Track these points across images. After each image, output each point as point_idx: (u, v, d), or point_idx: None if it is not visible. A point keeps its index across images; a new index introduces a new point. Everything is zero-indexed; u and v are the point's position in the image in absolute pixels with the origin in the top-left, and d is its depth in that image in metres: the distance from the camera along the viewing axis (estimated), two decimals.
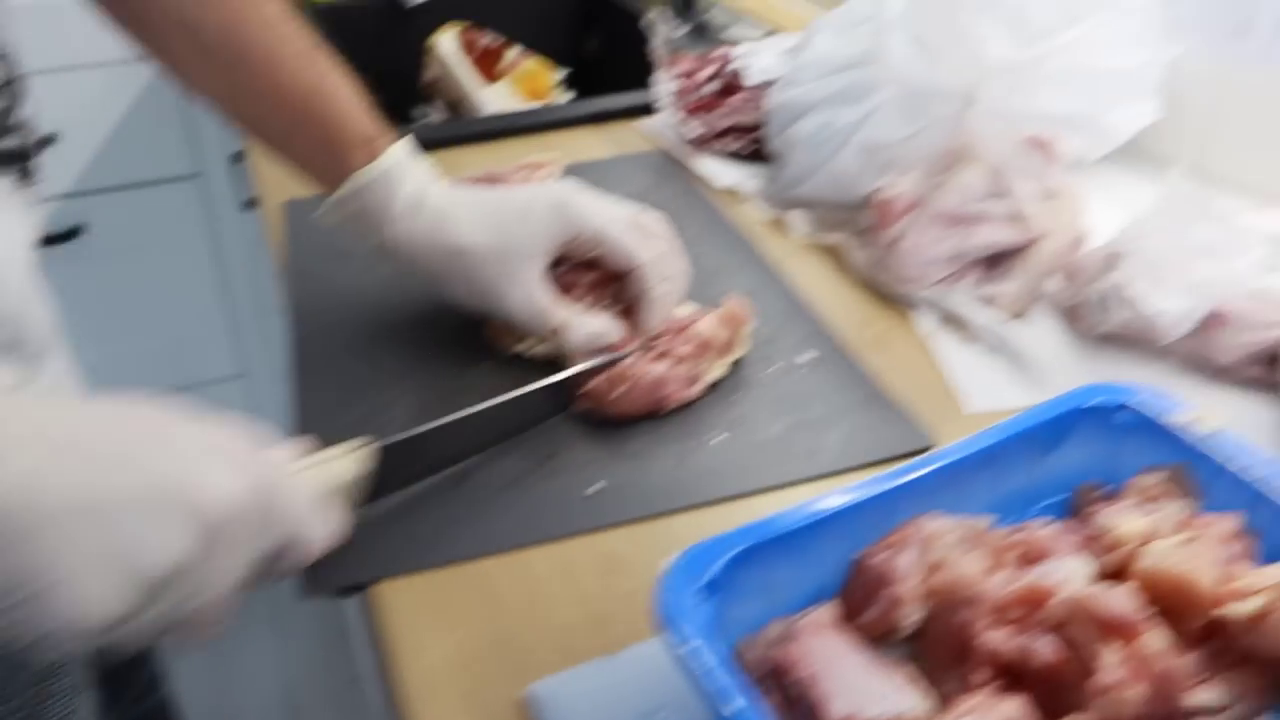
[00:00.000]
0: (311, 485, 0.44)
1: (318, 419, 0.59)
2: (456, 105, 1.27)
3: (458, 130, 1.00)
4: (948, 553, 0.43)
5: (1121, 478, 0.49)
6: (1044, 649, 0.39)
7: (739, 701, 0.35)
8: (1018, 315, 0.66)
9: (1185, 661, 0.38)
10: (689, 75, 0.94)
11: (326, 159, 0.62)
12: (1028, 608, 0.40)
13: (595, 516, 0.53)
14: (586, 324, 0.61)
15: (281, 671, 1.55)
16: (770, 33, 1.18)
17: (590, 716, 0.44)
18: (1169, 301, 0.58)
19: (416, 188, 0.62)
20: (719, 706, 0.35)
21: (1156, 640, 0.37)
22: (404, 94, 1.37)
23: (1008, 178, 0.67)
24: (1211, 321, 0.59)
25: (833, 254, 0.76)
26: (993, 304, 0.66)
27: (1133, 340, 0.63)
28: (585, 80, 1.44)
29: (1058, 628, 0.39)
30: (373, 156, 0.61)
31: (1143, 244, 0.59)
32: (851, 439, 0.58)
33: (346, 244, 0.68)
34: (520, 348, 0.64)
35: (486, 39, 1.24)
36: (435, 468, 0.54)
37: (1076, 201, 0.67)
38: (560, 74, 1.28)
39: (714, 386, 0.61)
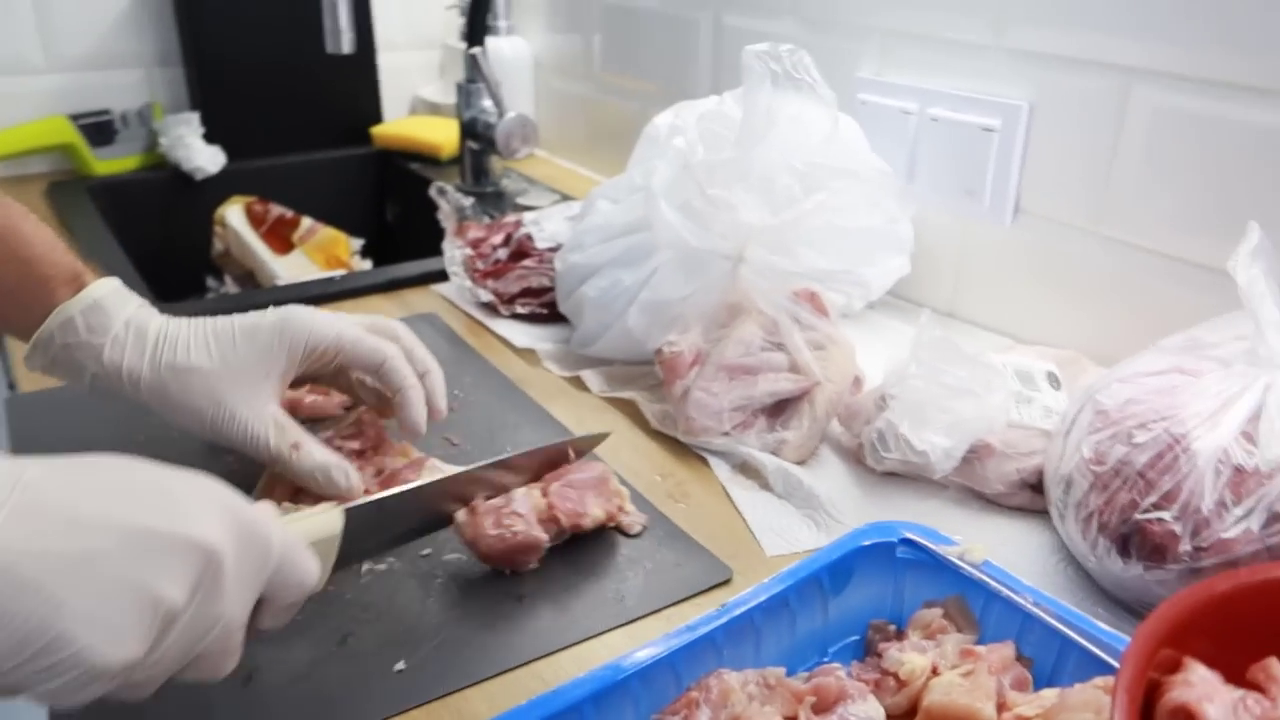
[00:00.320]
0: (296, 534, 0.45)
1: None
2: (250, 276, 1.23)
3: (250, 300, 0.97)
4: (743, 708, 0.43)
5: (906, 612, 0.50)
6: None
7: None
8: (804, 459, 0.69)
9: None
10: (480, 242, 0.95)
11: (29, 298, 0.58)
12: None
13: (392, 702, 0.49)
14: (318, 453, 0.59)
15: None
16: (561, 198, 1.23)
17: None
18: (936, 439, 0.62)
19: (134, 315, 0.60)
20: None
21: None
22: (195, 266, 1.32)
23: (782, 330, 0.70)
24: (979, 453, 0.63)
25: (628, 408, 0.77)
26: (780, 450, 0.68)
27: (912, 476, 0.66)
28: (386, 247, 1.44)
29: None
30: (80, 289, 0.59)
31: (906, 386, 0.63)
32: (655, 580, 0.57)
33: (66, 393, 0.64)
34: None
35: (278, 210, 1.22)
36: (396, 541, 0.56)
37: (847, 349, 0.72)
38: (357, 243, 1.28)
39: None
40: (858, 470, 0.68)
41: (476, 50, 1.19)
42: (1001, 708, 0.42)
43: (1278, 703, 0.35)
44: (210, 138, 1.33)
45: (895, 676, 0.45)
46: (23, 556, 0.33)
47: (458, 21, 1.48)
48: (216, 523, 0.38)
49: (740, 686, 0.44)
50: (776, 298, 0.71)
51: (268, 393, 0.60)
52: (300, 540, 0.44)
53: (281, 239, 1.21)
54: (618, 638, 0.53)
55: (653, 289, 0.77)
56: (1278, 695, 0.36)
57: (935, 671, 0.45)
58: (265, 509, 0.43)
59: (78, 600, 0.34)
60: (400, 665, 0.51)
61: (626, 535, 0.61)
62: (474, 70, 1.21)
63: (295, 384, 0.64)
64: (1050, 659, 0.46)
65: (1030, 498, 0.64)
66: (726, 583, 0.57)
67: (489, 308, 0.91)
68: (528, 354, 0.85)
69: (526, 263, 0.92)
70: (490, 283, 0.91)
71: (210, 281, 1.34)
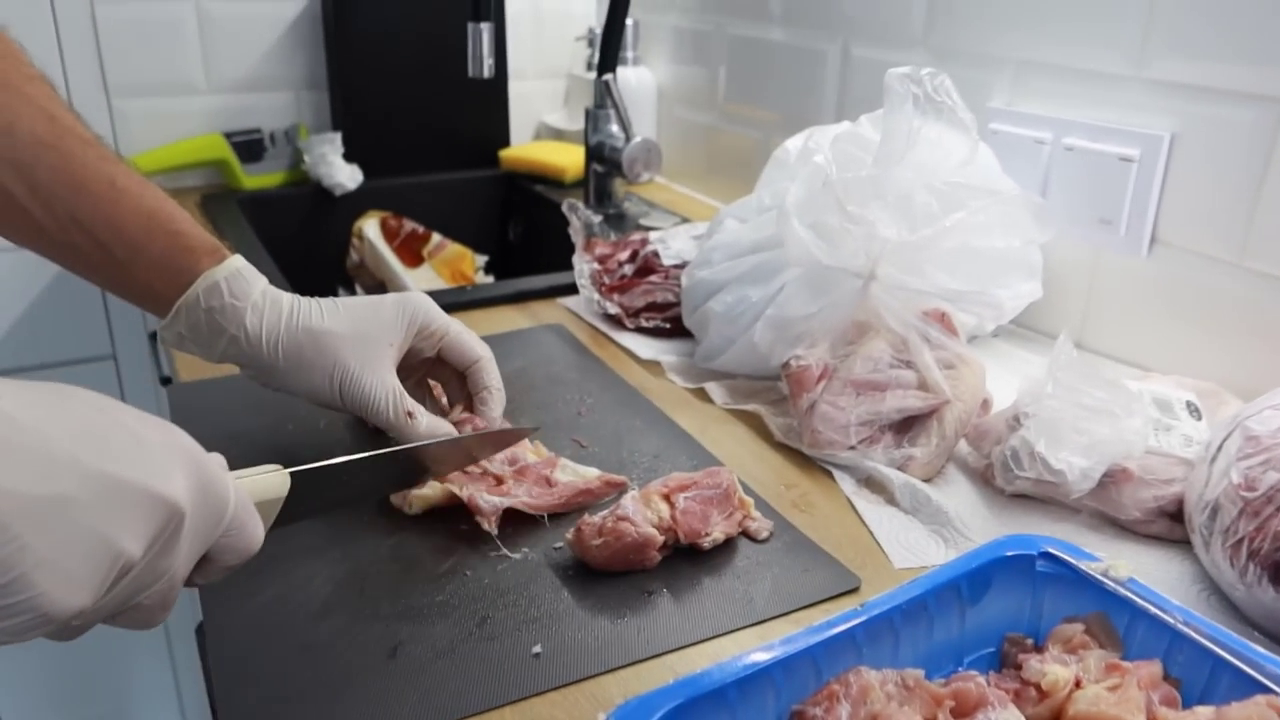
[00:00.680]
0: (245, 493, 0.45)
1: (221, 591, 0.56)
2: (381, 287, 1.29)
3: None
4: (883, 706, 0.43)
5: (1044, 628, 0.50)
6: None
7: None
8: (930, 477, 0.69)
9: None
10: (607, 257, 0.98)
11: (174, 269, 0.63)
12: None
13: (530, 683, 0.50)
14: (433, 418, 0.65)
15: None
16: (681, 221, 1.26)
17: None
18: (1073, 459, 0.61)
19: (268, 287, 0.65)
20: None
21: None
22: (329, 277, 1.39)
23: (912, 348, 0.71)
24: (1116, 478, 0.62)
25: (752, 420, 0.78)
26: (907, 467, 0.68)
27: (1042, 498, 0.65)
28: (506, 264, 1.49)
29: None
30: (220, 261, 0.64)
31: (1042, 405, 0.63)
32: (783, 584, 0.58)
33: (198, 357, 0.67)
34: (402, 504, 0.64)
35: (410, 226, 1.28)
36: (336, 505, 0.56)
37: (978, 369, 0.71)
38: (481, 259, 1.33)
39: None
40: (985, 491, 0.68)
41: (608, 77, 1.23)
42: None
43: None
44: (350, 156, 1.40)
45: (1037, 687, 0.45)
46: None
47: (584, 53, 1.54)
48: (182, 477, 0.38)
49: (879, 685, 0.44)
50: (906, 316, 0.72)
51: (388, 362, 0.65)
52: (249, 502, 0.44)
53: (412, 253, 1.27)
54: (748, 636, 0.54)
55: (779, 305, 0.78)
56: None
57: (1078, 684, 0.45)
58: (219, 464, 0.43)
59: (42, 545, 0.33)
60: (537, 649, 0.52)
61: (753, 540, 0.62)
62: (604, 96, 1.26)
63: (400, 371, 0.68)
64: (1200, 681, 0.45)
65: (1168, 526, 0.62)
66: (854, 591, 0.58)
67: (614, 320, 0.94)
68: (651, 365, 0.87)
69: (652, 278, 0.95)
70: (616, 296, 0.94)
71: (341, 292, 1.40)
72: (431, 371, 0.72)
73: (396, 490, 0.63)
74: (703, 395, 0.82)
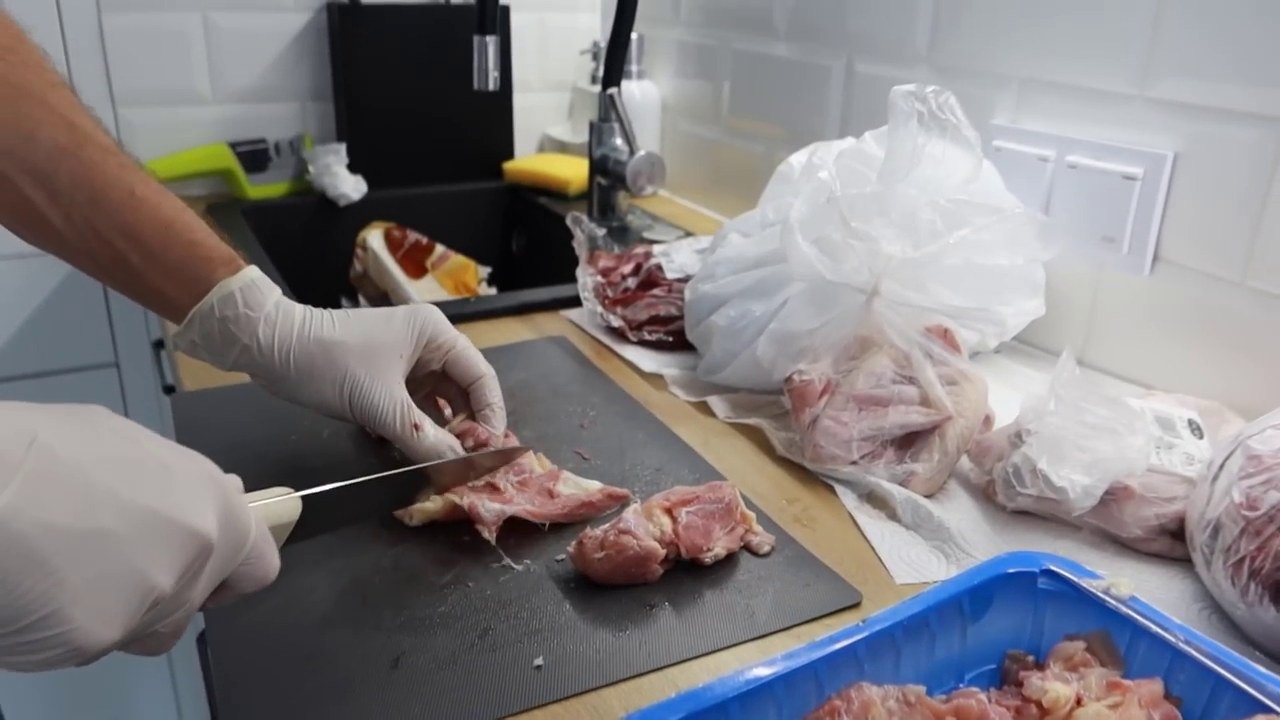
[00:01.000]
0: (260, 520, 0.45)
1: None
2: (384, 298, 1.30)
3: None
4: None
5: (1045, 645, 0.50)
6: None
7: None
8: (932, 493, 0.69)
9: None
10: (610, 270, 0.99)
11: (190, 278, 0.63)
12: None
13: (531, 695, 0.50)
14: (440, 431, 0.66)
15: None
16: (684, 234, 1.26)
17: None
18: (1075, 476, 0.61)
19: (280, 298, 0.66)
20: None
21: None
22: (332, 287, 1.39)
23: (914, 363, 0.71)
24: (1118, 496, 0.62)
25: (754, 435, 0.78)
26: (909, 482, 0.68)
27: (1043, 515, 0.65)
28: (509, 276, 1.49)
29: None
30: (237, 270, 0.64)
31: (1044, 422, 0.63)
32: (784, 599, 0.58)
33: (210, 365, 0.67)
34: (404, 516, 0.64)
35: (414, 237, 1.29)
36: (341, 523, 0.56)
37: (980, 385, 0.72)
38: (485, 270, 1.33)
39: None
40: (987, 507, 0.68)
41: (613, 90, 1.24)
42: None
43: None
44: (354, 167, 1.41)
45: (1038, 705, 0.45)
46: (34, 527, 0.32)
47: (589, 66, 1.55)
48: (211, 510, 0.38)
49: (881, 701, 0.44)
50: (909, 332, 0.72)
51: (397, 374, 0.66)
52: (266, 530, 0.44)
53: (416, 264, 1.28)
54: (749, 651, 0.54)
55: (782, 320, 0.78)
56: None
57: (1079, 702, 0.45)
58: (237, 487, 0.43)
59: (79, 579, 0.33)
60: (539, 661, 0.52)
61: (755, 555, 0.62)
62: (608, 110, 1.26)
63: (409, 384, 0.68)
64: (1201, 700, 0.45)
65: (1170, 544, 0.62)
66: (855, 606, 0.58)
67: (617, 333, 0.94)
68: (654, 379, 0.87)
69: (655, 292, 0.95)
70: (620, 309, 0.94)
71: (344, 302, 1.41)
72: (438, 387, 0.72)
73: (400, 507, 0.63)
74: (705, 409, 0.82)
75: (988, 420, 0.73)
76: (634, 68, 1.44)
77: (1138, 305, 0.84)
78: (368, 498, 0.58)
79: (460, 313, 0.99)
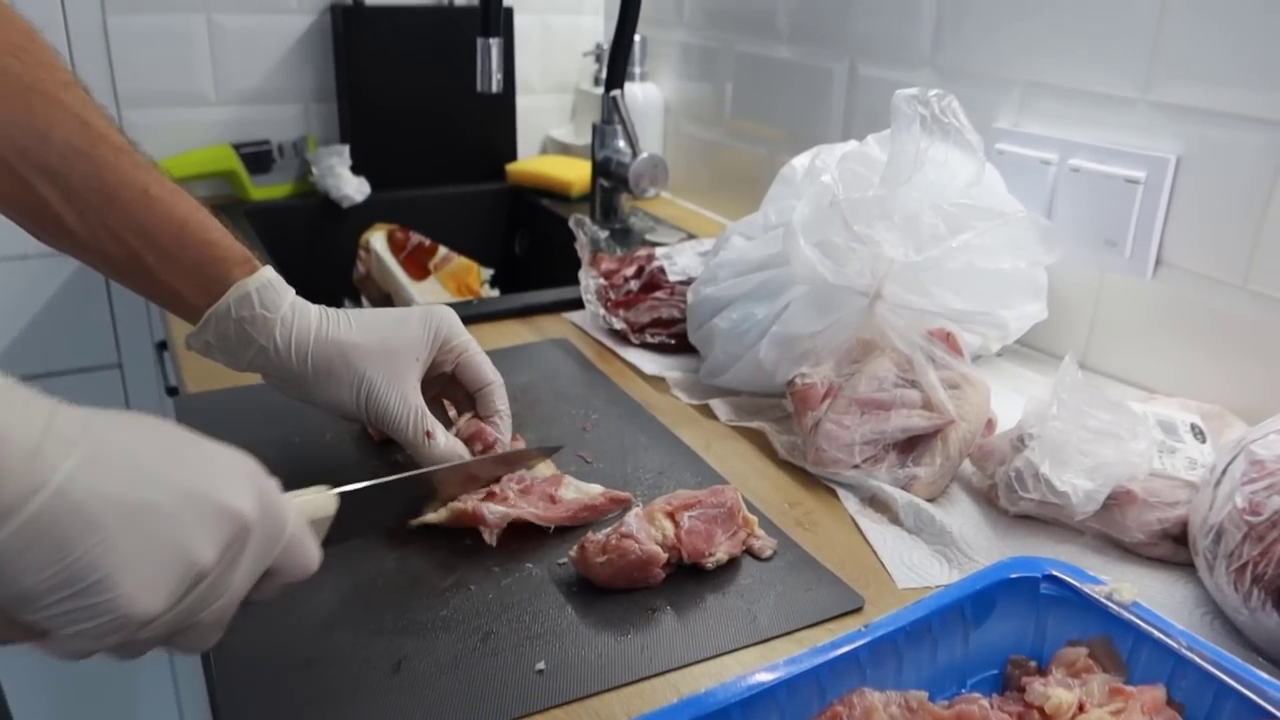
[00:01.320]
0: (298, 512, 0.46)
1: None
2: (387, 299, 1.30)
3: None
4: None
5: (1048, 650, 0.50)
6: None
7: None
8: (934, 497, 0.69)
9: None
10: (613, 273, 0.99)
11: (205, 278, 0.63)
12: None
13: (533, 700, 0.50)
14: (451, 439, 0.66)
15: None
16: (686, 236, 1.26)
17: None
18: (1077, 481, 0.61)
19: (296, 299, 0.66)
20: None
21: None
22: (335, 289, 1.39)
23: (917, 367, 0.71)
24: (1120, 500, 0.62)
25: (756, 438, 0.78)
26: (911, 486, 0.68)
27: (1046, 519, 0.65)
28: (512, 278, 1.50)
29: None
30: (253, 271, 0.64)
31: (1047, 427, 0.63)
32: (786, 603, 0.58)
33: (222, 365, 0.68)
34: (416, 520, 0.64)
35: (417, 238, 1.29)
36: (376, 526, 0.59)
37: (982, 389, 0.72)
38: (487, 272, 1.33)
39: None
40: (989, 511, 0.68)
41: (616, 93, 1.24)
42: None
43: None
44: (357, 169, 1.41)
45: (1040, 711, 0.45)
46: (90, 496, 0.35)
47: (592, 68, 1.55)
48: (249, 495, 0.40)
49: (883, 706, 0.44)
50: (911, 336, 0.72)
51: (413, 378, 0.66)
52: (304, 521, 0.45)
53: (419, 265, 1.28)
54: (751, 655, 0.54)
55: (785, 323, 0.78)
56: None
57: (1082, 708, 0.45)
58: (276, 487, 0.44)
59: (127, 547, 0.36)
60: (541, 665, 0.52)
61: (757, 559, 0.62)
62: (611, 112, 1.26)
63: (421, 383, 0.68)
64: (1204, 707, 0.45)
65: (1172, 549, 0.62)
66: (858, 610, 0.58)
67: (620, 336, 0.94)
68: (656, 381, 0.87)
69: (658, 294, 0.95)
70: (622, 312, 0.94)
71: (347, 304, 1.41)
72: (445, 389, 0.72)
73: (427, 504, 0.63)
74: (707, 412, 0.82)
75: (990, 424, 0.73)
76: (637, 70, 1.44)
77: (1140, 309, 0.84)
78: (400, 494, 0.59)
79: (463, 315, 0.97)
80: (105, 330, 1.43)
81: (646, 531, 0.59)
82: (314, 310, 0.66)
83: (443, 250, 1.30)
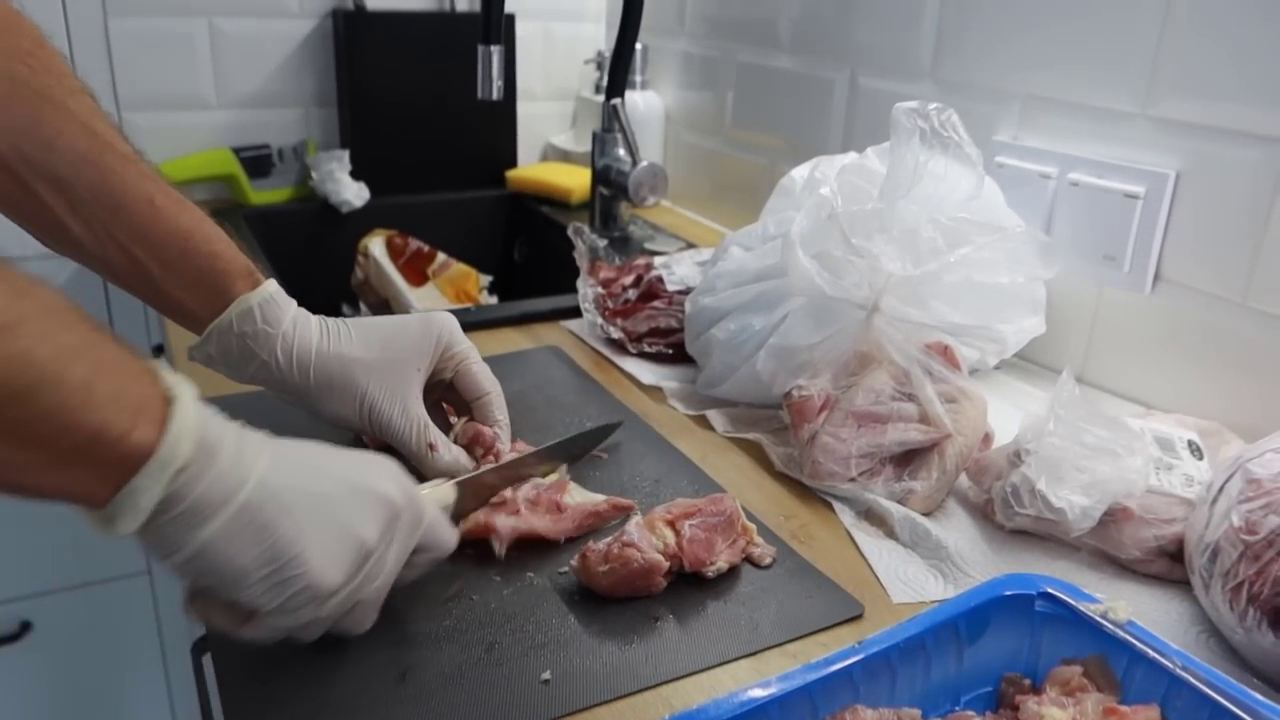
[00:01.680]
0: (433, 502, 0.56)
1: None
2: (385, 305, 1.29)
3: None
4: None
5: (1042, 668, 0.50)
6: None
7: None
8: (930, 511, 0.69)
9: None
10: (611, 281, 0.99)
11: (208, 290, 0.63)
12: None
13: (540, 710, 0.50)
14: (454, 450, 0.67)
15: None
16: (685, 245, 1.26)
17: None
18: (1073, 497, 0.61)
19: (298, 312, 0.66)
20: None
21: None
22: (333, 294, 1.39)
23: (914, 381, 0.71)
24: (1116, 517, 0.62)
25: (752, 449, 0.78)
26: (907, 500, 0.68)
27: (1042, 535, 0.65)
28: (511, 284, 1.49)
29: None
30: (256, 284, 0.64)
31: (1043, 443, 0.63)
32: (787, 611, 0.58)
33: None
34: None
35: (416, 244, 1.29)
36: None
37: (979, 403, 0.71)
38: (486, 279, 1.33)
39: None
40: (985, 526, 0.68)
41: (616, 101, 1.24)
42: None
43: None
44: (357, 174, 1.41)
45: None
46: (284, 488, 0.44)
47: (593, 75, 1.55)
48: (395, 486, 0.49)
49: None
50: (909, 349, 0.72)
51: (415, 389, 0.67)
52: (437, 508, 0.54)
53: (417, 271, 1.27)
54: (745, 669, 0.54)
55: (782, 335, 0.78)
56: None
57: None
58: (414, 482, 0.53)
59: (313, 528, 0.45)
60: (546, 675, 0.52)
61: (757, 566, 0.62)
62: (611, 120, 1.27)
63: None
64: None
65: (1168, 566, 0.62)
66: (859, 617, 0.57)
67: (617, 345, 0.94)
68: (653, 391, 0.87)
69: (656, 304, 0.95)
70: (620, 321, 0.94)
71: (345, 309, 1.41)
72: (445, 395, 0.72)
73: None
74: (704, 422, 0.82)
75: (987, 438, 0.72)
76: (638, 78, 1.44)
77: (1138, 324, 0.84)
78: (498, 484, 0.65)
79: (461, 322, 0.97)
80: None
81: (648, 540, 0.58)
82: (314, 323, 0.66)
83: (441, 256, 1.29)
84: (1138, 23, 0.80)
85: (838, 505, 0.70)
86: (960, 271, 0.73)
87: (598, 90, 1.52)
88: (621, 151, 1.29)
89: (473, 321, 1.00)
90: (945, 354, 0.73)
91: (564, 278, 1.05)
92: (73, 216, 0.60)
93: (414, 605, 0.57)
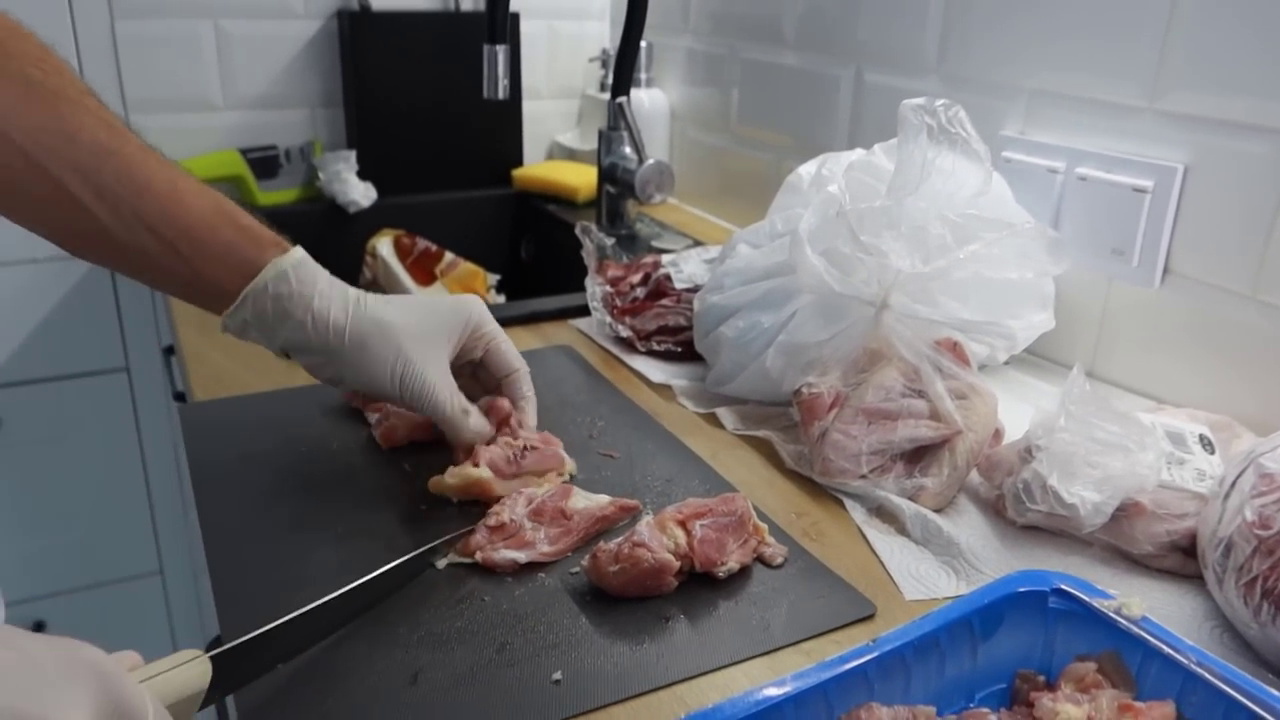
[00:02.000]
0: (156, 697, 0.40)
1: (237, 611, 0.56)
2: None
3: None
4: None
5: (1056, 664, 0.50)
6: None
7: None
8: (941, 508, 0.69)
9: None
10: (619, 280, 0.99)
11: (239, 261, 0.64)
12: None
13: (553, 710, 0.50)
14: (480, 418, 0.69)
15: None
16: (693, 243, 1.26)
17: None
18: (1085, 493, 0.61)
19: (331, 277, 0.67)
20: None
21: None
22: None
23: (924, 377, 0.71)
24: (1129, 512, 0.62)
25: (763, 447, 0.78)
26: (918, 497, 0.68)
27: (1054, 531, 0.65)
28: (518, 283, 1.50)
29: None
30: (286, 251, 0.66)
31: (1054, 438, 0.63)
32: (799, 611, 0.58)
33: (251, 345, 0.68)
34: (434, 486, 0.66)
35: (423, 244, 1.29)
36: (292, 654, 0.52)
37: (990, 399, 0.71)
38: (494, 278, 1.33)
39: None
40: (997, 522, 0.68)
41: (622, 99, 1.24)
42: None
43: None
44: (364, 174, 1.41)
45: None
46: None
47: (598, 74, 1.55)
48: (87, 703, 0.34)
49: None
50: (918, 345, 0.72)
51: (445, 359, 0.68)
52: (164, 711, 0.39)
53: (425, 271, 1.28)
54: (759, 668, 0.54)
55: (791, 332, 0.78)
56: None
57: None
58: (134, 663, 0.41)
59: None
60: (558, 675, 0.52)
61: (768, 566, 0.62)
62: (617, 118, 1.27)
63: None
64: None
65: (1181, 561, 0.62)
66: (870, 617, 0.58)
67: (625, 343, 0.94)
68: (662, 389, 0.87)
69: (664, 302, 0.95)
70: (628, 319, 0.94)
71: None
72: (475, 374, 0.74)
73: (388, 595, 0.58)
74: (714, 420, 0.82)
75: (997, 434, 0.72)
76: (643, 76, 1.44)
77: (1147, 318, 0.84)
78: (320, 621, 0.53)
79: None
80: (113, 334, 1.44)
81: (658, 540, 0.59)
82: (350, 288, 0.67)
83: (449, 256, 1.30)
84: (1144, 16, 0.80)
85: (849, 502, 0.70)
86: (969, 267, 0.73)
87: (603, 88, 1.52)
88: (627, 149, 1.29)
89: None
90: (955, 350, 0.73)
91: (571, 276, 1.05)
92: (100, 204, 0.61)
93: (425, 606, 0.57)
